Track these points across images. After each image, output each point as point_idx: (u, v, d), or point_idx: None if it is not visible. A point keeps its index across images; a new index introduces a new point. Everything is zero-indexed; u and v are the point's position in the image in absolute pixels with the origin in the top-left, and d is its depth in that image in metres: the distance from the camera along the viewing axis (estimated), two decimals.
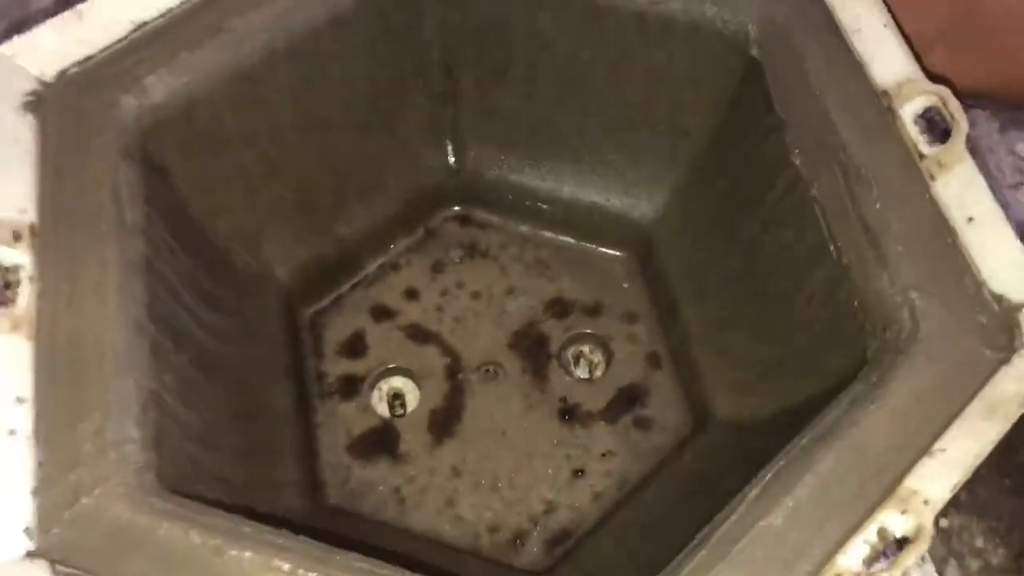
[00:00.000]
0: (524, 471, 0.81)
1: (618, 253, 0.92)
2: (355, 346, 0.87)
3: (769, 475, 0.56)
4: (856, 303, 0.65)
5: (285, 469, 0.76)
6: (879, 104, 0.68)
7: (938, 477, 0.54)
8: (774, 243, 0.74)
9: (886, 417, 0.57)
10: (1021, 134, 1.14)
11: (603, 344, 0.88)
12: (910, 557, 0.51)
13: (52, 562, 0.50)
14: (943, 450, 0.55)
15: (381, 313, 0.89)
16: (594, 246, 0.92)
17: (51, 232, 0.60)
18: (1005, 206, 0.98)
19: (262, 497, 0.72)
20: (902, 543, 0.52)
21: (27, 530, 0.51)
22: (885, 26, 0.70)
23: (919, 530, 0.52)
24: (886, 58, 0.69)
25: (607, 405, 0.84)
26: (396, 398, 0.86)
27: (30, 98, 0.65)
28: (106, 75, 0.67)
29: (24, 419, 0.54)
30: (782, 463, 0.57)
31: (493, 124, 0.89)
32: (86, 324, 0.58)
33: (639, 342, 0.88)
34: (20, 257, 0.59)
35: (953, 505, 0.89)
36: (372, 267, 0.90)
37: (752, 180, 0.76)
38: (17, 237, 0.59)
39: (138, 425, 0.57)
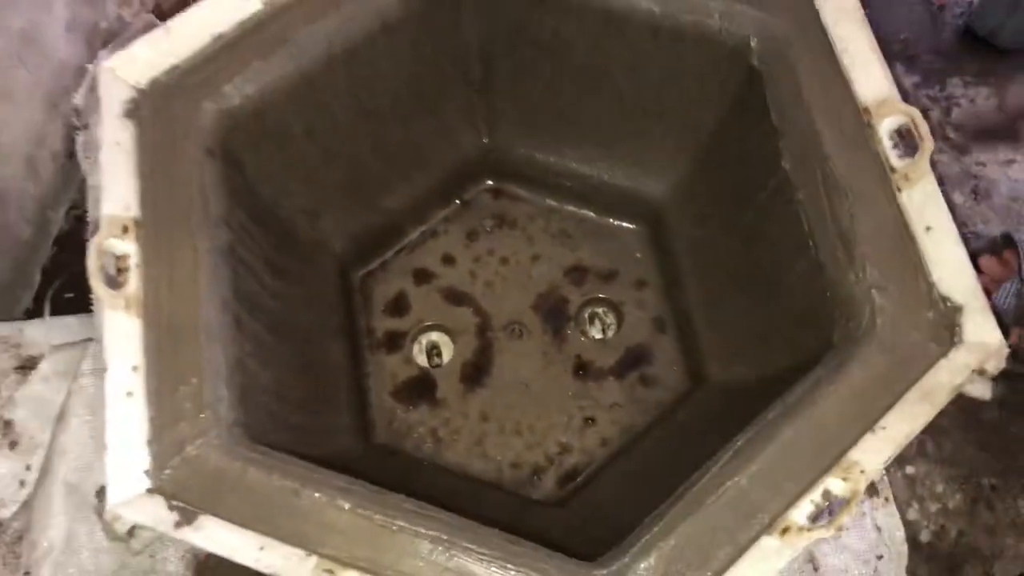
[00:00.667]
0: (543, 418, 0.94)
1: (632, 226, 1.03)
2: (399, 305, 1.00)
3: (741, 442, 0.68)
4: (828, 295, 0.76)
5: (341, 414, 0.90)
6: (859, 119, 0.77)
7: (875, 451, 0.66)
8: (765, 234, 0.85)
9: (841, 398, 0.69)
10: None
11: (615, 308, 1.00)
12: (843, 516, 0.63)
13: (166, 497, 0.64)
14: (883, 428, 0.67)
15: (422, 276, 1.01)
16: (611, 219, 1.03)
17: (151, 225, 0.73)
18: (994, 183, 1.09)
19: (324, 439, 0.86)
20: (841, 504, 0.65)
21: (146, 472, 0.65)
22: (871, 48, 0.79)
23: (854, 494, 0.64)
24: (869, 77, 0.78)
25: (616, 363, 0.97)
26: (434, 349, 0.99)
27: (129, 105, 0.77)
28: (190, 83, 0.79)
29: (138, 383, 0.67)
30: (751, 434, 0.69)
31: (523, 110, 0.99)
32: (183, 304, 0.71)
33: (647, 307, 0.99)
34: (128, 247, 0.71)
35: (920, 455, 1.02)
36: (414, 235, 1.02)
37: (748, 176, 0.86)
38: (125, 230, 0.72)
39: (227, 387, 0.70)
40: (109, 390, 0.67)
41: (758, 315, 0.87)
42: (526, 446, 0.93)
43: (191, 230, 0.73)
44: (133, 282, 0.71)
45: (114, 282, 0.70)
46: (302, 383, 0.85)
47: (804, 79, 0.80)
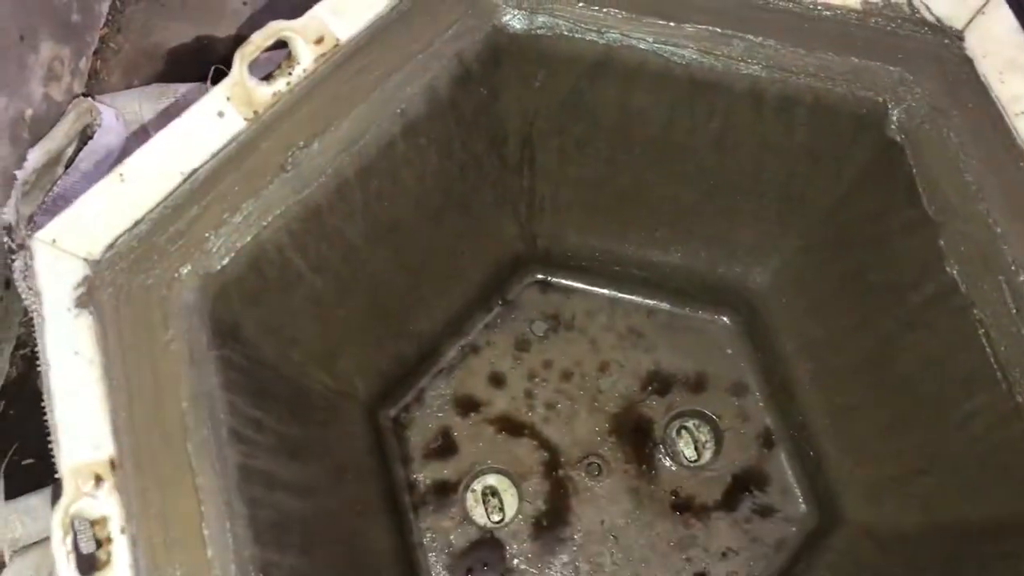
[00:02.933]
0: None
1: (719, 318, 0.84)
2: (443, 447, 0.80)
3: None
4: None
5: None
6: None
7: None
8: (919, 348, 0.67)
9: None
10: None
11: (711, 421, 0.81)
12: None
13: None
14: None
15: (466, 405, 0.82)
16: (691, 311, 0.84)
17: (132, 463, 0.53)
18: None
19: None
20: None
21: None
22: None
23: None
24: None
25: (723, 495, 0.79)
26: (492, 496, 0.80)
27: (81, 289, 0.56)
28: (159, 241, 0.58)
29: None
30: None
31: (574, 191, 0.79)
32: (191, 573, 0.51)
33: (749, 419, 0.81)
34: (106, 505, 0.51)
35: None
36: (451, 352, 0.83)
37: (888, 272, 0.68)
38: (97, 480, 0.52)
39: None
40: None
41: (914, 443, 0.69)
42: None
43: (187, 460, 0.53)
44: (119, 558, 0.51)
45: (94, 562, 0.51)
46: None
47: (964, 157, 0.61)
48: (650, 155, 0.74)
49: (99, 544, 0.51)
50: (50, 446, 0.77)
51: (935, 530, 0.67)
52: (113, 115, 0.89)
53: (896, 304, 0.68)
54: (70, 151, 0.89)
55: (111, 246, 0.57)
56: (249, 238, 0.59)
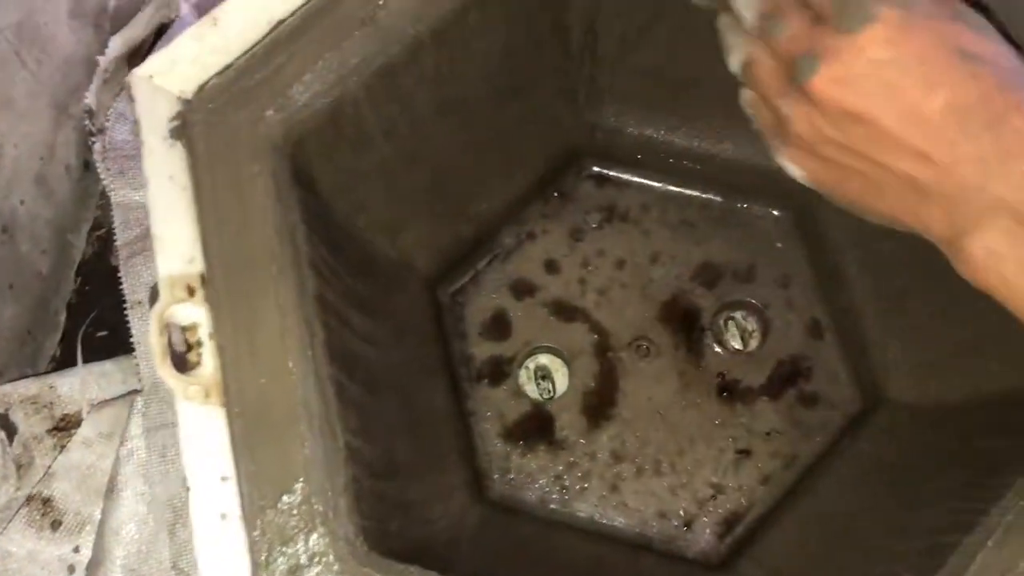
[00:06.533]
0: (687, 454, 0.79)
1: (771, 211, 0.86)
2: (499, 326, 0.83)
3: (1011, 516, 0.53)
4: None
5: (452, 471, 0.75)
6: None
7: None
8: None
9: None
10: None
11: (758, 312, 0.84)
12: None
13: None
14: None
15: (522, 289, 0.85)
16: (744, 204, 0.86)
17: (221, 280, 0.56)
18: None
19: (439, 509, 0.71)
20: None
21: None
22: None
23: None
24: None
25: (768, 380, 0.81)
26: (543, 377, 0.83)
27: (176, 123, 0.60)
28: (248, 85, 0.61)
29: (231, 499, 0.52)
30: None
31: (634, 81, 0.82)
32: (273, 381, 0.55)
33: (796, 308, 0.83)
34: (197, 314, 0.55)
35: None
36: (509, 239, 0.86)
37: None
38: (190, 291, 0.55)
39: (342, 490, 0.54)
40: (196, 513, 0.51)
41: (963, 317, 0.70)
42: (670, 490, 0.78)
43: (271, 281, 0.57)
44: (208, 360, 0.54)
45: (184, 363, 0.54)
46: (408, 446, 0.70)
47: None
48: (709, 43, 0.76)
49: (189, 347, 0.55)
50: (124, 319, 0.82)
51: (979, 402, 0.69)
52: (188, 9, 0.93)
53: None
54: (149, 41, 0.93)
55: (203, 87, 0.61)
56: (329, 86, 0.63)
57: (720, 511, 0.77)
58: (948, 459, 0.66)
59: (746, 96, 0.55)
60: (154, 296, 0.56)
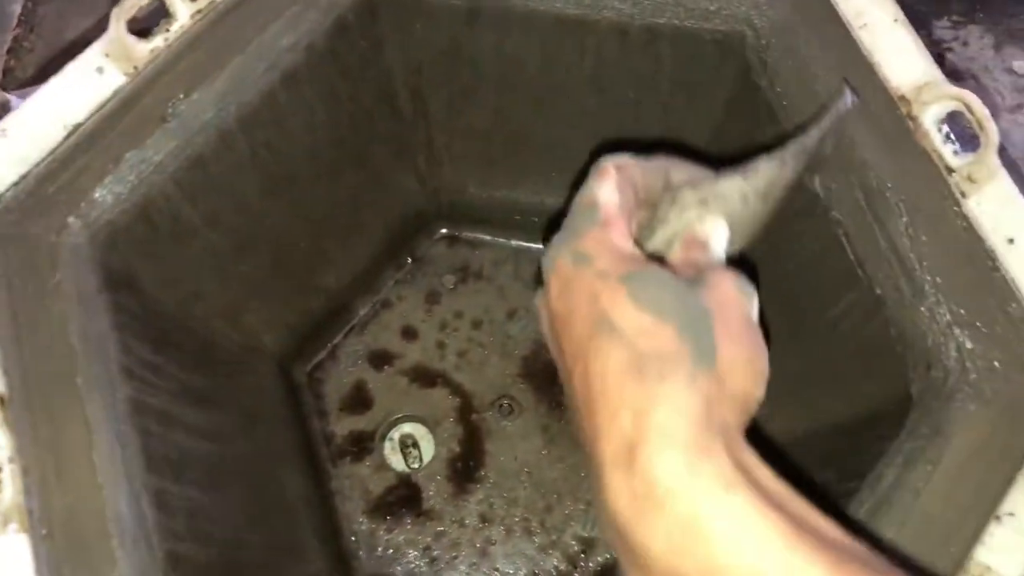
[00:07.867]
0: (555, 510, 0.79)
1: None
2: (359, 400, 0.83)
3: None
4: (894, 333, 0.61)
5: (313, 559, 0.73)
6: (896, 112, 0.62)
7: (1009, 549, 0.52)
8: (798, 257, 0.70)
9: (946, 479, 0.54)
10: (1018, 50, 1.08)
11: None
12: None
13: None
14: (1011, 514, 0.52)
15: (381, 359, 0.84)
16: None
17: (21, 400, 0.55)
18: (1005, 133, 0.93)
19: None
20: None
21: None
22: (896, 20, 0.63)
23: None
24: (900, 58, 0.63)
25: None
26: (410, 446, 0.82)
27: None
28: (47, 192, 0.60)
29: None
30: None
31: (469, 142, 0.82)
32: (81, 498, 0.53)
33: None
34: None
35: None
36: (364, 309, 0.85)
37: None
38: None
39: None
40: None
41: (798, 350, 0.72)
42: (540, 549, 0.77)
43: (77, 394, 0.55)
44: (8, 485, 0.53)
45: None
46: (258, 536, 0.68)
47: (816, 69, 0.64)
48: (533, 100, 0.77)
49: None
50: None
51: (817, 438, 0.70)
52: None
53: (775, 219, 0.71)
54: None
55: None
56: (134, 186, 0.62)
57: (591, 565, 0.77)
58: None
59: None
60: None
